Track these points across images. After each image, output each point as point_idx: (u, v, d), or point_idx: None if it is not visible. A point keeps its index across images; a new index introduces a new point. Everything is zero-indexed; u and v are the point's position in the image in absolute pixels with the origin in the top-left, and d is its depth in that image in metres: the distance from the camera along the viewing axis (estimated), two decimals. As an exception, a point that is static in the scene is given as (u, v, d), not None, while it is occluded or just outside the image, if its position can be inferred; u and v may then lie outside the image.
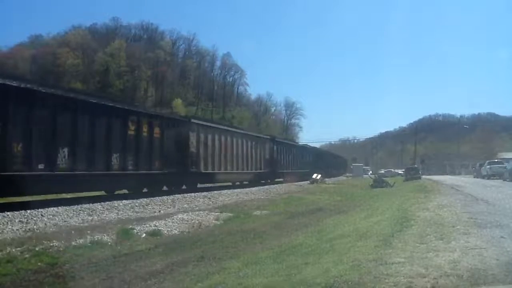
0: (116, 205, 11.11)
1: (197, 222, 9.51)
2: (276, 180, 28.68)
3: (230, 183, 22.39)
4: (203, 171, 18.54)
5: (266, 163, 26.68)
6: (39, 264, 5.34)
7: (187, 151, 17.12)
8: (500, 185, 21.32)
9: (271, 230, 8.65)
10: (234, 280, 4.43)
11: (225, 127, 23.75)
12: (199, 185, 18.87)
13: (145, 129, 14.31)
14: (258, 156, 25.44)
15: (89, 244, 6.68)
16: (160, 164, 15.10)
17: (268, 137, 29.87)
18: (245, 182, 23.91)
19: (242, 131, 25.72)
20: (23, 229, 7.72)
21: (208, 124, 20.88)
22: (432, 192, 16.39)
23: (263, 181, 25.95)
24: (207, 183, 19.81)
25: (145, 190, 15.10)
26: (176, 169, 16.20)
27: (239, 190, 19.08)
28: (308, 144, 48.15)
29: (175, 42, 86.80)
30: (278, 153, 29.45)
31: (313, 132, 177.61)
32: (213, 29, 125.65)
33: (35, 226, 8.04)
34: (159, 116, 16.69)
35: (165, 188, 16.41)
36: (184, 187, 17.51)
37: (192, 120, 18.80)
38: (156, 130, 15.00)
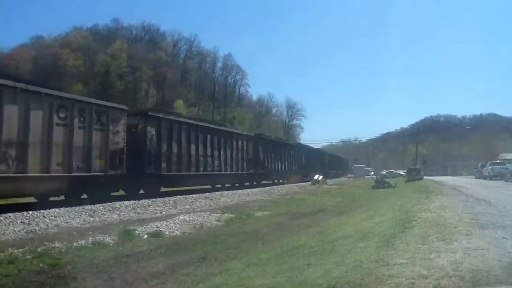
0: (117, 206, 11.13)
1: (198, 223, 9.52)
2: (165, 189, 16.54)
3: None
4: None
5: (115, 157, 13.02)
6: (41, 265, 5.34)
7: None
8: (502, 186, 21.30)
9: (273, 231, 8.65)
10: (236, 281, 4.44)
11: None
12: None
13: None
14: (99, 143, 12.48)
15: (90, 245, 6.69)
16: None
17: (123, 107, 14.09)
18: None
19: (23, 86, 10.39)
20: (25, 230, 7.75)
21: None
22: (433, 193, 16.37)
23: (115, 193, 13.82)
24: None
25: None
26: None
27: (240, 191, 19.09)
28: (309, 145, 47.18)
29: (176, 43, 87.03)
30: (160, 141, 15.59)
31: (314, 133, 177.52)
32: (214, 30, 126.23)
33: (37, 227, 8.07)
34: None
35: None
36: None
37: None
38: None
